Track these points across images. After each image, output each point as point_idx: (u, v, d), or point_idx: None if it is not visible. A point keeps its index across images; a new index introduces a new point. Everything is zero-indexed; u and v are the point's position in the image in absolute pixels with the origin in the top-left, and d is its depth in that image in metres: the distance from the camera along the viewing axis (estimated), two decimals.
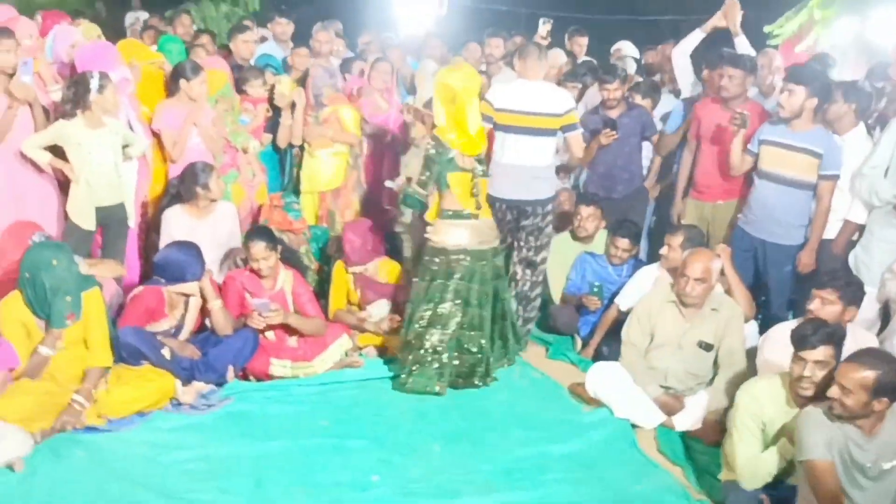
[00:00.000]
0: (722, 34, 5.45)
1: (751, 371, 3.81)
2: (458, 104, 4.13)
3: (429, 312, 4.22)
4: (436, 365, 4.22)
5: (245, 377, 4.22)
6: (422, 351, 4.21)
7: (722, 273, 4.20)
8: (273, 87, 5.67)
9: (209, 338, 4.20)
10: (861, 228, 4.32)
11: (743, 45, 5.32)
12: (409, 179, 4.94)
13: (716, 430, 3.68)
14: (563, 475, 3.49)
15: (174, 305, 4.13)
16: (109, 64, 4.53)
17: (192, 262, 4.08)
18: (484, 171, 4.33)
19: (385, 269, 4.87)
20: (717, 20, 5.40)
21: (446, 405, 4.13)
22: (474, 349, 4.29)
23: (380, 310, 4.66)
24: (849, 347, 3.14)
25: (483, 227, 4.33)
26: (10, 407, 3.35)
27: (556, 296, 5.16)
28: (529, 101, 4.55)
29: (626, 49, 6.87)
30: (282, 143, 5.59)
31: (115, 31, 6.91)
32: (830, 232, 4.40)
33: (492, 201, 4.52)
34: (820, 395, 2.98)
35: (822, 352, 3.02)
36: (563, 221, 5.48)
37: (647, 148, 5.57)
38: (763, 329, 4.14)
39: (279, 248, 4.37)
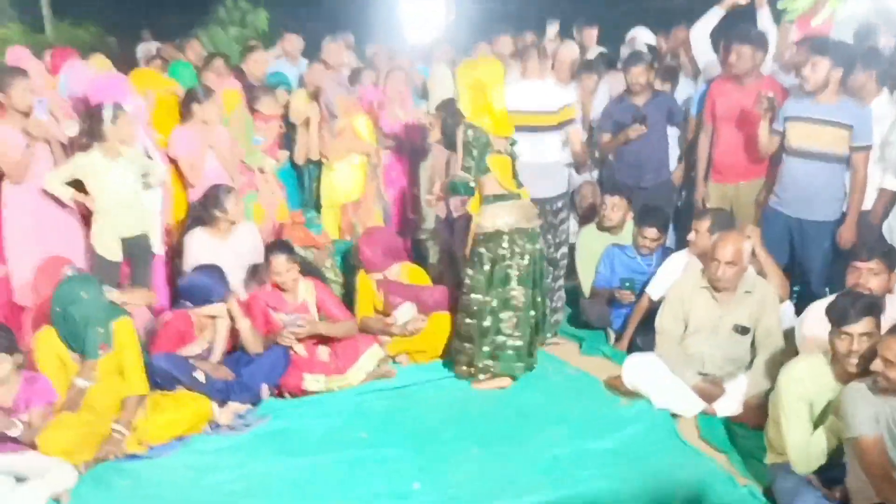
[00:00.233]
0: (743, 12, 5.35)
1: (789, 352, 3.73)
2: (484, 90, 4.14)
3: (497, 298, 4.22)
4: (510, 350, 4.24)
5: (280, 394, 4.23)
6: (499, 337, 4.22)
7: (753, 255, 4.13)
8: (287, 103, 5.71)
9: (241, 357, 4.21)
10: None
11: (765, 17, 5.22)
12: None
13: (758, 414, 3.60)
14: (605, 471, 3.44)
15: (203, 328, 4.15)
16: (122, 94, 4.59)
17: (217, 283, 4.11)
18: (516, 154, 4.35)
19: (406, 273, 4.86)
20: None
21: (483, 408, 4.09)
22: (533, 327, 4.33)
23: (405, 313, 4.66)
24: (889, 317, 3.06)
25: (528, 206, 4.33)
26: (53, 440, 3.38)
27: (586, 289, 5.12)
28: (528, 99, 4.57)
29: (641, 35, 6.79)
30: (299, 160, 5.61)
31: (127, 64, 6.99)
32: (865, 203, 4.31)
33: None
34: (863, 370, 2.91)
35: (865, 324, 2.94)
36: (591, 214, 5.45)
37: (671, 136, 5.49)
38: (799, 308, 4.05)
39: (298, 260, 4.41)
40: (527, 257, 4.25)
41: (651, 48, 6.49)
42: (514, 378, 4.30)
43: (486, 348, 4.23)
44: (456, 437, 3.80)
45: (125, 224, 4.47)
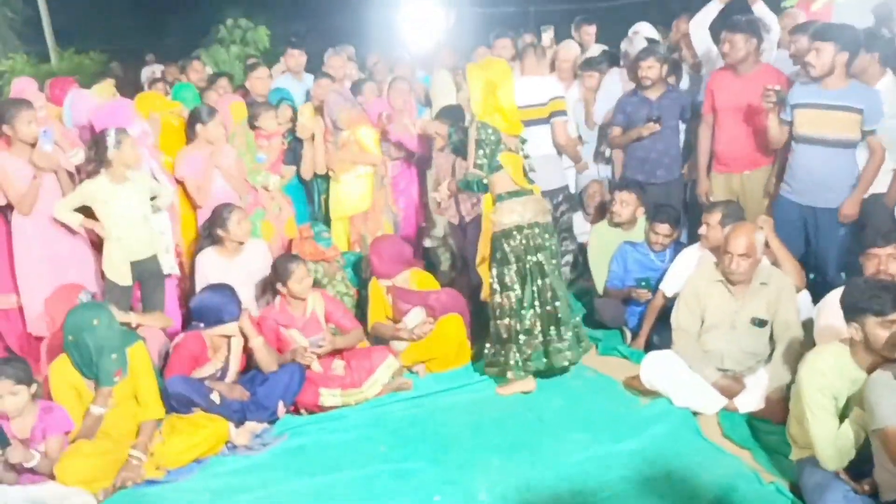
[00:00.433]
0: (742, 3, 5.31)
1: (809, 343, 3.67)
2: (495, 90, 4.16)
3: (528, 293, 4.21)
4: (541, 344, 4.23)
5: (296, 411, 4.21)
6: (537, 332, 4.21)
7: (767, 245, 4.07)
8: (291, 119, 5.71)
9: (256, 376, 4.19)
10: None
11: (761, 10, 5.19)
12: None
13: (781, 408, 3.53)
14: (629, 473, 3.40)
15: (216, 348, 4.13)
16: (126, 120, 4.61)
17: (228, 303, 4.09)
18: (526, 152, 4.37)
19: (415, 279, 4.85)
20: None
21: (501, 415, 4.05)
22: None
23: (413, 318, 4.64)
24: None
25: (541, 201, 4.34)
26: (70, 469, 3.38)
27: (600, 287, 5.08)
28: (518, 95, 4.54)
29: (643, 30, 6.74)
30: (306, 174, 5.61)
31: (133, 88, 7.05)
32: (879, 185, 4.25)
33: None
34: (886, 358, 2.84)
35: None
36: (600, 212, 5.41)
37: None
38: (816, 297, 3.99)
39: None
40: (546, 251, 4.25)
41: (655, 42, 6.46)
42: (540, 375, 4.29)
43: (518, 346, 4.21)
44: (476, 446, 3.76)
45: (135, 248, 4.48)
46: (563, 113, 4.98)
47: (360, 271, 5.24)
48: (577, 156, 5.49)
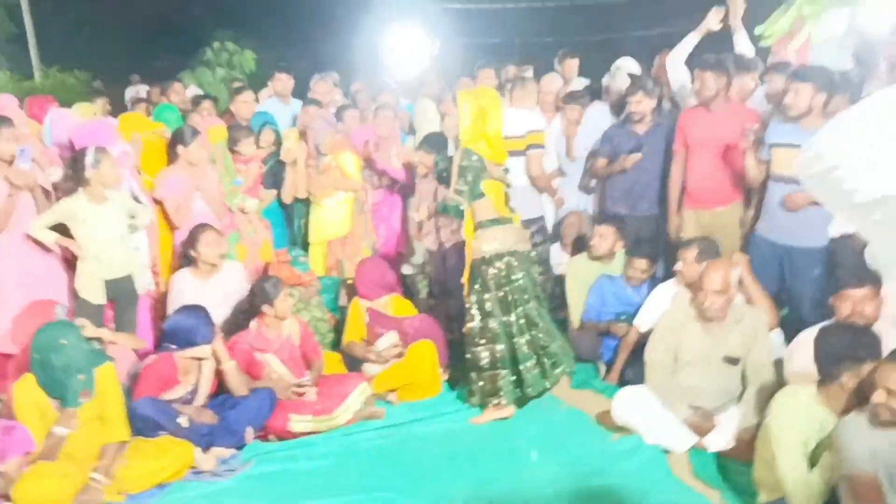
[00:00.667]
0: (721, 39, 5.39)
1: (780, 383, 3.67)
2: (485, 118, 4.20)
3: (517, 320, 4.23)
4: (537, 369, 4.28)
5: (265, 437, 4.15)
6: (520, 358, 4.24)
7: (740, 282, 4.09)
8: (274, 142, 5.72)
9: (226, 400, 4.14)
10: None
11: (742, 42, 5.26)
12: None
13: (751, 448, 3.50)
14: None
15: (187, 371, 4.08)
16: (106, 139, 4.59)
17: (201, 325, 4.05)
18: (509, 181, 4.41)
19: (394, 305, 4.89)
20: (710, 23, 5.35)
21: (475, 446, 4.02)
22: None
23: (385, 341, 4.65)
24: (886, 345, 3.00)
25: (521, 230, 4.40)
26: (29, 491, 3.29)
27: (576, 320, 5.07)
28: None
29: (626, 65, 6.82)
30: (287, 198, 5.59)
31: (117, 108, 7.03)
32: (849, 226, 4.28)
33: None
34: (857, 402, 2.84)
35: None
36: (578, 244, 5.43)
37: None
38: (789, 336, 4.00)
39: None
40: (526, 278, 4.28)
41: (639, 77, 6.53)
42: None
43: (509, 375, 4.24)
44: (449, 478, 3.72)
45: (111, 267, 4.43)
46: (540, 146, 5.01)
47: (337, 296, 5.22)
48: (550, 189, 5.50)
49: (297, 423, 4.16)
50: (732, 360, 3.88)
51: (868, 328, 3.14)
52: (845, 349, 2.93)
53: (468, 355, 4.31)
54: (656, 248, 5.05)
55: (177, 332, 4.07)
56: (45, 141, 4.94)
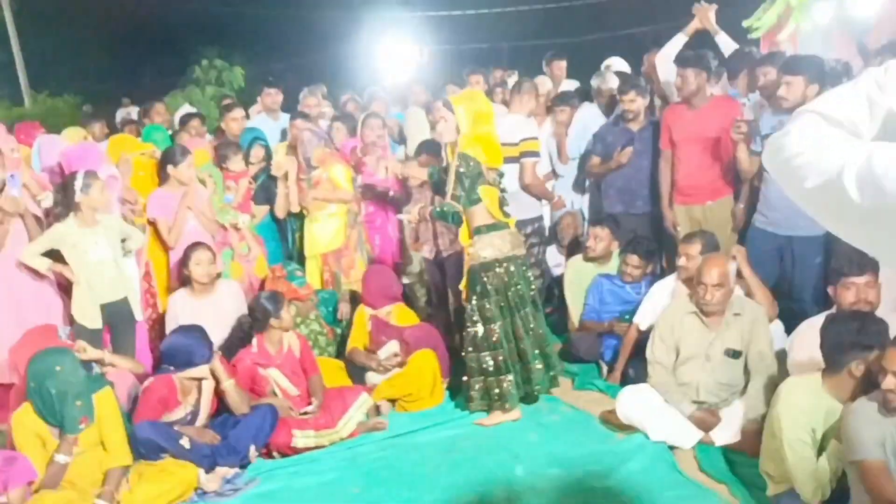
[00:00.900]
0: (706, 36, 5.40)
1: (783, 374, 3.65)
2: (482, 121, 4.18)
3: (516, 324, 4.25)
4: (542, 367, 4.34)
5: (269, 454, 4.12)
6: (534, 360, 4.28)
7: (739, 275, 4.07)
8: (264, 158, 5.70)
9: (227, 419, 4.11)
10: None
11: (725, 42, 5.27)
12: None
13: (757, 440, 3.49)
14: None
15: (187, 392, 4.05)
16: (94, 163, 4.57)
17: (199, 345, 4.02)
18: (503, 185, 4.39)
19: (397, 314, 4.88)
20: (697, 22, 5.36)
21: (478, 454, 3.99)
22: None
23: (386, 349, 4.66)
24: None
25: (516, 234, 4.40)
26: None
27: (576, 320, 5.06)
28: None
29: (615, 65, 6.83)
30: (280, 213, 5.57)
31: (107, 130, 7.00)
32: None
33: None
34: (864, 389, 2.82)
35: None
36: (574, 245, 5.41)
37: None
38: (790, 327, 3.98)
39: None
40: (524, 283, 4.29)
41: (629, 76, 6.53)
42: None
43: (512, 377, 4.23)
44: (452, 485, 3.69)
45: (105, 290, 4.41)
46: (534, 154, 4.99)
47: (335, 309, 5.20)
48: (546, 195, 5.48)
49: (301, 438, 4.13)
50: (734, 354, 3.86)
51: (874, 315, 3.12)
52: (853, 337, 2.91)
53: (470, 362, 4.29)
54: (653, 245, 5.05)
55: (175, 352, 4.04)
56: (33, 167, 4.92)
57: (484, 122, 4.21)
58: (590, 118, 5.84)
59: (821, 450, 2.99)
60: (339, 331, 5.14)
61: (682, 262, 4.37)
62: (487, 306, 4.20)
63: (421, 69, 7.82)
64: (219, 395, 4.15)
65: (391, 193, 5.23)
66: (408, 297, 5.57)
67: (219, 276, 4.83)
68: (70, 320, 4.42)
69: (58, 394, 3.44)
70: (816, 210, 1.29)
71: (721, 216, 4.82)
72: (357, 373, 4.75)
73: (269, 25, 17.62)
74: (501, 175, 4.37)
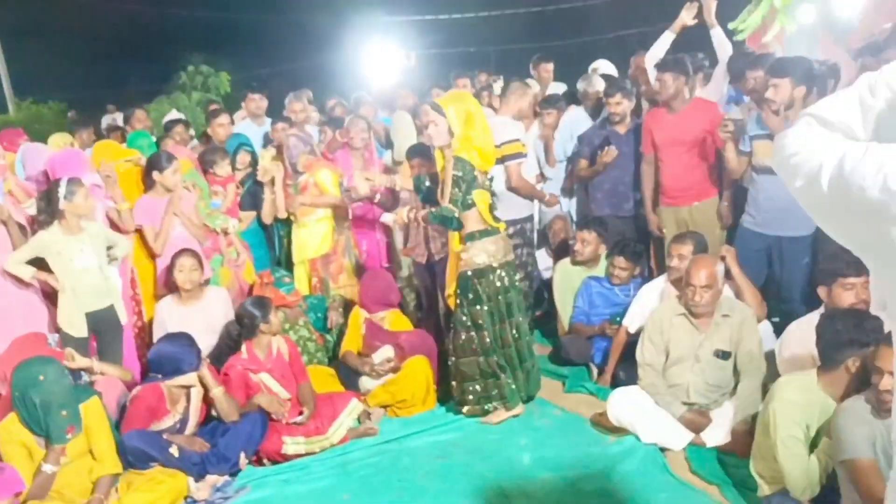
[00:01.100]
0: (697, 36, 5.42)
1: (772, 374, 3.66)
2: (473, 124, 4.12)
3: (507, 330, 4.25)
4: (528, 371, 4.40)
5: (259, 461, 4.10)
6: (524, 363, 4.34)
7: (728, 276, 4.08)
8: (250, 164, 5.68)
9: (217, 427, 4.08)
10: None
11: (719, 37, 5.29)
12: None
13: (747, 442, 3.50)
14: None
15: (175, 400, 4.02)
16: (79, 170, 4.53)
17: (187, 352, 3.99)
18: (493, 188, 4.39)
19: (391, 320, 4.88)
20: (684, 18, 5.38)
21: (468, 458, 3.98)
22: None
23: (380, 354, 4.65)
24: None
25: (507, 239, 4.39)
26: None
27: (566, 323, 5.06)
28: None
29: (601, 67, 6.84)
30: (267, 219, 5.54)
31: (94, 137, 6.95)
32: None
33: None
34: (856, 388, 2.82)
35: None
36: (564, 248, 5.41)
37: None
38: (779, 327, 3.99)
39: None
40: (516, 289, 4.31)
41: (615, 78, 6.54)
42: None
43: (510, 382, 4.27)
44: (444, 492, 3.68)
45: (91, 298, 4.38)
46: (518, 156, 4.97)
47: (325, 315, 5.18)
48: (536, 194, 5.47)
49: (291, 445, 4.11)
50: (723, 355, 3.87)
51: (870, 312, 3.13)
52: (851, 334, 2.92)
53: (463, 367, 4.28)
54: (640, 247, 5.06)
55: (162, 360, 4.01)
56: (17, 174, 4.87)
57: (474, 123, 4.16)
58: (577, 121, 5.85)
59: (813, 446, 3.00)
60: (328, 337, 5.11)
61: (674, 262, 4.37)
62: (479, 313, 4.19)
63: (408, 73, 7.80)
64: (208, 402, 4.12)
65: (378, 197, 5.23)
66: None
67: (207, 282, 4.81)
68: (55, 329, 4.38)
69: (42, 403, 3.40)
70: (807, 207, 1.34)
71: (708, 217, 4.84)
72: (349, 376, 4.72)
73: (256, 31, 17.60)
74: (491, 179, 4.35)
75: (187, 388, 4.05)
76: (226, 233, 5.11)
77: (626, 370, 4.41)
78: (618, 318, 4.70)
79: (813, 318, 3.68)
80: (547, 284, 5.57)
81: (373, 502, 3.64)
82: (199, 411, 4.11)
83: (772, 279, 4.52)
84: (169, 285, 4.76)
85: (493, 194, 4.35)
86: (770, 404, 3.07)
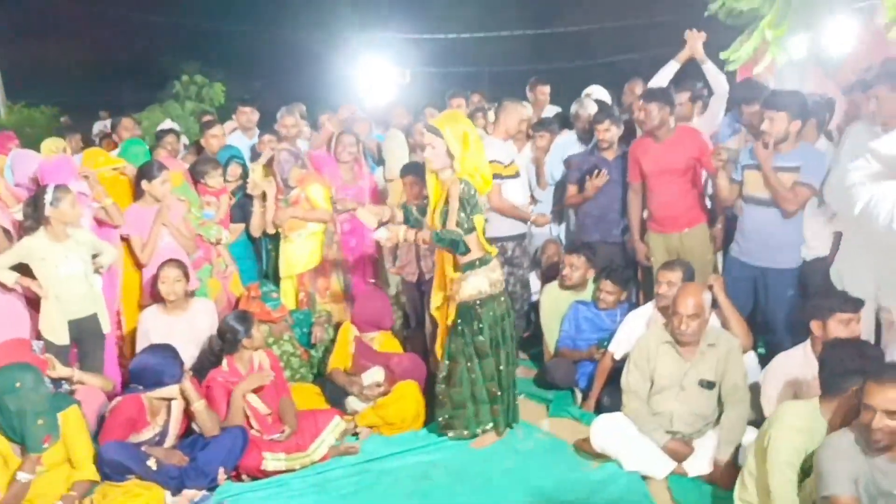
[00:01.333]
0: (692, 66, 5.47)
1: (756, 406, 3.66)
2: (467, 145, 4.04)
3: (501, 359, 4.22)
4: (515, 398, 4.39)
5: (238, 477, 4.04)
6: (510, 389, 4.31)
7: (714, 305, 4.08)
8: (240, 176, 5.66)
9: (197, 440, 4.03)
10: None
11: (711, 71, 5.34)
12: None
13: (730, 472, 3.51)
14: None
15: (156, 412, 3.97)
16: (67, 176, 4.50)
17: (169, 364, 3.95)
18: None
19: (380, 341, 4.83)
20: (689, 50, 5.41)
21: (450, 481, 3.95)
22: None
23: (371, 376, 4.58)
24: None
25: (499, 263, 4.36)
26: None
27: (552, 347, 5.05)
28: None
29: (595, 93, 6.87)
30: (255, 232, 5.52)
31: (83, 143, 6.94)
32: (821, 249, 4.32)
33: None
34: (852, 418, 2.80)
35: None
36: (553, 272, 5.40)
37: None
38: (764, 360, 3.99)
39: None
40: (510, 317, 4.30)
41: (606, 105, 6.57)
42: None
43: (496, 405, 4.25)
44: None
45: (74, 306, 4.34)
46: (496, 177, 4.92)
47: (310, 331, 5.14)
48: (517, 215, 5.41)
49: (271, 461, 4.06)
50: (708, 385, 3.86)
51: (871, 343, 3.14)
52: (856, 362, 2.91)
53: (454, 395, 4.25)
54: (628, 273, 5.06)
55: (144, 372, 3.96)
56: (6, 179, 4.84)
57: (469, 144, 4.07)
58: (568, 144, 5.87)
59: (807, 474, 2.96)
60: (313, 353, 5.07)
61: (662, 289, 4.36)
62: (483, 341, 4.16)
63: (403, 90, 7.82)
64: (188, 415, 4.08)
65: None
66: None
67: (192, 293, 4.77)
68: (38, 336, 4.33)
69: (18, 410, 3.36)
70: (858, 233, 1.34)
71: (698, 243, 4.85)
72: (336, 393, 4.66)
73: (251, 43, 17.62)
74: (483, 203, 4.33)
75: (168, 400, 4.01)
76: (219, 243, 5.09)
77: (610, 396, 4.40)
78: (605, 343, 4.69)
79: (796, 351, 3.70)
80: (535, 307, 5.55)
81: None
82: (180, 424, 4.06)
83: (758, 309, 4.53)
84: (155, 295, 4.72)
85: (485, 220, 4.31)
86: (770, 429, 3.05)
